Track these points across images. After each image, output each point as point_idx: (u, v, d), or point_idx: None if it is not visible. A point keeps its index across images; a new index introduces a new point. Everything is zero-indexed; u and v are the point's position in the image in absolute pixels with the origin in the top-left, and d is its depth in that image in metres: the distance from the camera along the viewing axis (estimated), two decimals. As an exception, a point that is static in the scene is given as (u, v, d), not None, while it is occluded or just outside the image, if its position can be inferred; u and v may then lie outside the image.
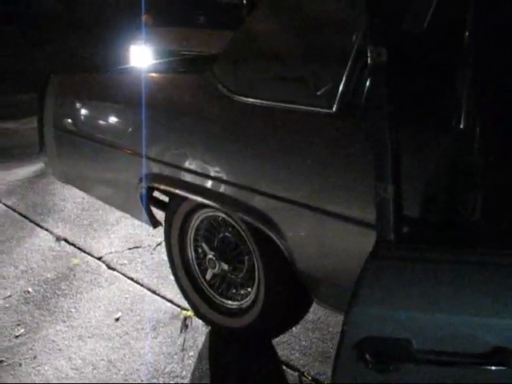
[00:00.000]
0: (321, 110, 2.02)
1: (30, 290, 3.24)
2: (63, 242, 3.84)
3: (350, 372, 1.02)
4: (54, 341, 2.78)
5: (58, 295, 3.20)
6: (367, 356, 0.99)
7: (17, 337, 2.81)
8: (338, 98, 1.98)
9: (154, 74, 3.35)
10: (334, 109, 1.99)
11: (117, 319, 2.97)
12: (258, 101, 2.27)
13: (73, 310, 3.05)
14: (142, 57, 8.08)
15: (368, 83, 1.83)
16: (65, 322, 2.94)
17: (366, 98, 1.86)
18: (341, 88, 1.97)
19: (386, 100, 1.09)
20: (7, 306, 3.07)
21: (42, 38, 11.68)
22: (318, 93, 2.03)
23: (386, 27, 1.07)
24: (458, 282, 1.03)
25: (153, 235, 3.87)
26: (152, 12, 10.21)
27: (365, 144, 1.87)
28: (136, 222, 3.68)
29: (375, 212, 1.09)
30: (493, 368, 0.96)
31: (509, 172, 1.50)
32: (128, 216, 3.55)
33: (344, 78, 1.97)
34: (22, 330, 2.86)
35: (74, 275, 3.42)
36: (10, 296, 3.16)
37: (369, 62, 1.09)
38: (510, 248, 1.05)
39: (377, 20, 1.07)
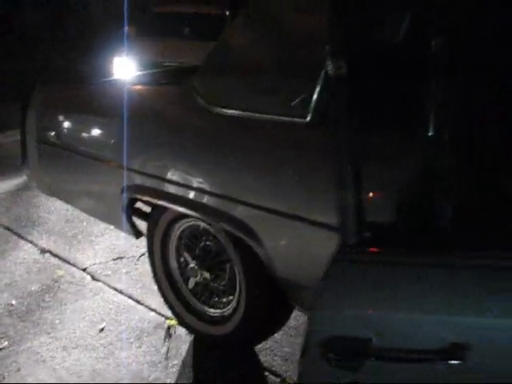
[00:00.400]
0: (296, 119, 2.07)
1: (13, 302, 3.25)
2: (48, 254, 3.85)
3: (315, 371, 1.06)
4: (38, 352, 2.80)
5: (42, 307, 3.21)
6: (331, 355, 1.03)
7: (0, 349, 2.82)
8: (311, 108, 2.03)
9: (135, 87, 3.39)
10: (308, 118, 2.04)
11: (101, 329, 2.99)
12: (235, 112, 2.32)
13: (57, 321, 3.07)
14: (125, 68, 8.11)
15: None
16: (49, 333, 2.96)
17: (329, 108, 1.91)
18: (314, 98, 2.02)
19: (345, 111, 1.14)
20: (-10, 318, 3.09)
21: (25, 49, 11.68)
22: (293, 103, 2.08)
23: (347, 41, 1.11)
24: (417, 282, 1.08)
25: (137, 246, 3.88)
26: (135, 24, 10.28)
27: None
28: (120, 233, 3.69)
29: (338, 218, 1.14)
30: (449, 363, 1.01)
31: (473, 178, 1.56)
32: (112, 227, 3.59)
33: (317, 89, 2.02)
34: (6, 343, 2.87)
35: (59, 287, 3.43)
36: (-7, 309, 3.18)
37: (329, 74, 1.14)
38: (469, 250, 1.10)
39: (337, 34, 1.12)
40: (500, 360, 1.03)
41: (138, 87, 3.36)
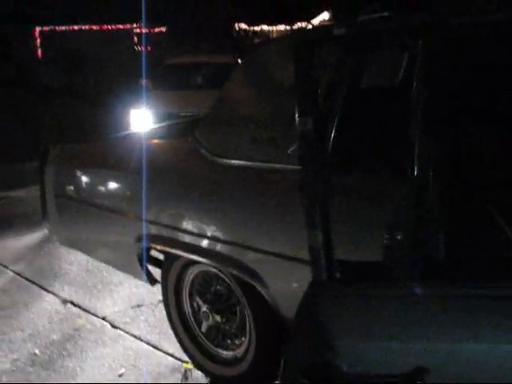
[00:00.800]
0: (292, 166, 2.21)
1: (36, 351, 3.38)
2: (69, 305, 3.99)
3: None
4: (60, 399, 2.91)
5: (63, 355, 3.33)
6: (304, 381, 1.14)
7: (24, 398, 2.94)
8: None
9: (147, 140, 3.57)
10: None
11: (120, 375, 3.09)
12: (236, 162, 2.47)
13: (78, 368, 3.19)
14: (142, 121, 8.35)
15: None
16: (70, 380, 3.07)
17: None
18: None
19: (313, 158, 1.27)
20: (14, 369, 3.21)
21: (45, 107, 12.10)
22: (289, 151, 2.22)
23: (313, 101, 1.26)
24: (384, 313, 1.19)
25: (154, 293, 3.99)
26: (151, 76, 10.63)
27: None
28: (138, 281, 3.83)
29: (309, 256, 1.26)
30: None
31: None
32: (131, 276, 3.72)
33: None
34: (30, 391, 2.99)
35: (80, 335, 3.56)
36: (17, 359, 3.30)
37: (298, 130, 1.28)
38: (433, 281, 1.21)
39: (304, 95, 1.26)
40: (456, 380, 1.14)
41: (150, 141, 3.55)
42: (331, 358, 1.15)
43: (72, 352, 3.37)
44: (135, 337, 3.49)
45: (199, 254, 2.64)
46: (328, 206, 1.29)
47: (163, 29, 23.09)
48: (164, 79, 9.94)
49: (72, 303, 4.00)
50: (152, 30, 22.65)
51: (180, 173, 2.84)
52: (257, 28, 25.81)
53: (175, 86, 9.43)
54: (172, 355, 3.25)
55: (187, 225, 2.68)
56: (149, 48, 21.75)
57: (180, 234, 2.71)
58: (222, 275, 2.70)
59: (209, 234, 2.57)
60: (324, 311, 1.23)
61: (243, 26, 25.27)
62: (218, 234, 2.54)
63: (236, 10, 23.26)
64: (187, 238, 2.68)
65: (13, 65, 16.81)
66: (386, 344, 1.15)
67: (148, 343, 3.40)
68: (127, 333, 3.55)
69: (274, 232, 2.30)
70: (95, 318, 3.78)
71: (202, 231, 2.61)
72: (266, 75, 2.49)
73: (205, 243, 2.60)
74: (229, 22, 24.27)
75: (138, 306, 3.92)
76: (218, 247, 2.54)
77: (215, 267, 2.67)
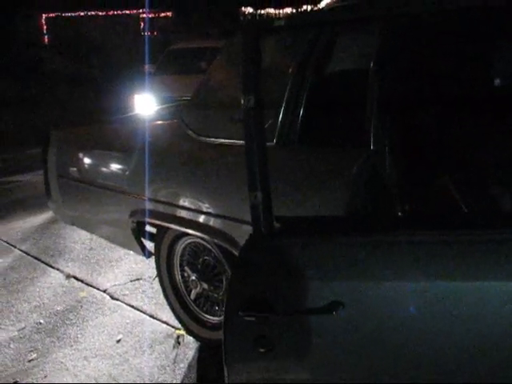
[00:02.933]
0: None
1: (41, 321, 3.63)
2: (72, 279, 4.24)
3: (235, 324, 1.41)
4: (62, 362, 3.16)
5: (66, 324, 3.58)
6: (240, 312, 1.36)
7: (30, 361, 3.19)
8: (276, 133, 2.38)
9: (142, 123, 3.79)
10: (274, 142, 2.39)
11: (118, 341, 3.34)
12: (218, 140, 2.68)
13: (79, 335, 3.43)
14: (146, 105, 8.56)
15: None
16: (72, 346, 3.32)
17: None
18: (278, 125, 2.38)
19: (255, 133, 1.48)
20: (21, 336, 3.46)
21: (50, 93, 12.32)
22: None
23: (255, 79, 1.46)
24: (308, 258, 1.41)
25: (152, 268, 4.23)
26: (156, 61, 10.82)
27: (300, 168, 2.29)
28: (138, 257, 4.07)
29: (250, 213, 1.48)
30: (328, 315, 1.34)
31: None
32: (131, 252, 3.95)
33: (280, 117, 2.37)
34: (34, 355, 3.24)
35: (81, 306, 3.80)
36: (24, 328, 3.55)
37: (242, 107, 1.48)
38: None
39: (248, 72, 1.46)
40: (367, 313, 1.37)
41: (145, 123, 3.76)
42: (266, 295, 1.38)
43: (74, 321, 3.61)
44: (133, 307, 3.73)
45: (187, 226, 2.85)
46: (267, 171, 1.50)
47: (169, 13, 23.19)
48: (168, 64, 10.14)
49: (75, 278, 4.25)
50: (158, 15, 22.76)
51: (169, 152, 3.05)
52: (263, 11, 25.86)
53: (179, 71, 9.61)
54: (166, 323, 3.49)
55: (175, 199, 2.89)
56: (155, 33, 21.89)
57: (169, 208, 2.93)
58: (208, 245, 2.92)
59: (195, 207, 2.79)
60: (260, 257, 1.45)
61: (249, 9, 25.33)
62: (203, 207, 2.75)
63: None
64: (176, 212, 2.90)
65: (18, 51, 17.03)
66: (309, 283, 1.38)
67: (144, 313, 3.65)
68: (126, 304, 3.79)
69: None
70: (96, 290, 4.03)
71: (188, 205, 2.82)
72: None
73: (191, 216, 2.81)
74: (236, 6, 24.35)
75: (137, 279, 4.16)
76: (204, 219, 2.76)
77: (202, 238, 2.88)
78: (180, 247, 3.14)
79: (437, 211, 2.09)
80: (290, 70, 2.46)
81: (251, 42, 1.45)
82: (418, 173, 2.17)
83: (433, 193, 2.21)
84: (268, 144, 2.40)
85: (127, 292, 3.97)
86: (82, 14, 21.72)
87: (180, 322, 3.32)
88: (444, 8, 1.65)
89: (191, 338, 3.28)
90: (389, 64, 2.26)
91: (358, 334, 1.40)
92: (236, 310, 1.37)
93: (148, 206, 3.06)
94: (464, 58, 2.76)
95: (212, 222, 2.70)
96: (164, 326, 3.47)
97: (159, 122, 3.69)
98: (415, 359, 1.42)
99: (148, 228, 3.39)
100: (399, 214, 1.96)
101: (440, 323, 1.39)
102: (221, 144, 2.68)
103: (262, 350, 1.41)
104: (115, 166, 3.41)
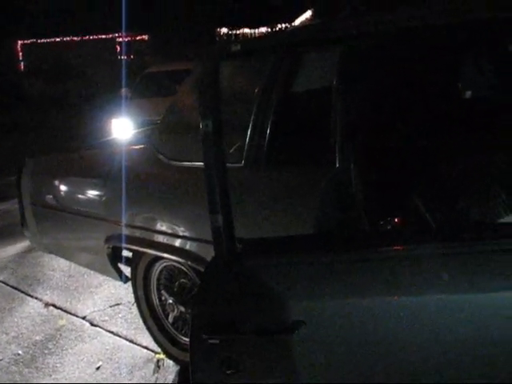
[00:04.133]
0: (233, 164, 2.45)
1: (20, 352, 3.60)
2: (51, 307, 4.21)
3: (201, 347, 1.42)
4: (40, 393, 3.13)
5: (45, 354, 3.55)
6: (204, 336, 1.38)
7: (7, 394, 3.16)
8: (244, 155, 2.41)
9: (116, 148, 3.81)
10: (242, 163, 2.42)
11: (97, 368, 3.32)
12: (188, 163, 2.71)
13: (58, 364, 3.41)
14: (122, 129, 8.55)
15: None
16: (51, 375, 3.29)
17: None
18: (246, 146, 2.41)
19: (214, 156, 1.50)
20: (-1, 368, 3.43)
21: (28, 118, 12.29)
22: (230, 151, 2.46)
23: (213, 103, 1.49)
24: (269, 280, 1.44)
25: (131, 292, 4.22)
26: (132, 85, 10.84)
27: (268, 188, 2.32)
28: (117, 282, 4.05)
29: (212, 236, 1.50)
30: (290, 334, 1.36)
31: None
32: (109, 278, 3.94)
33: (247, 139, 2.41)
34: (12, 388, 3.21)
35: (61, 335, 3.78)
36: (1, 360, 3.52)
37: (200, 131, 1.51)
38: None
39: (206, 97, 1.49)
40: (327, 331, 1.39)
41: (121, 148, 3.78)
42: (230, 317, 1.40)
43: (53, 350, 3.59)
44: (112, 333, 3.71)
45: (162, 250, 2.87)
46: (228, 194, 1.53)
47: (145, 37, 23.27)
48: (144, 87, 10.18)
49: (54, 306, 4.22)
50: (134, 38, 22.83)
51: (141, 177, 3.06)
52: (239, 32, 26.03)
53: (155, 94, 9.64)
54: (146, 347, 3.47)
55: (150, 224, 2.91)
56: (131, 56, 21.94)
57: (144, 232, 2.94)
58: (183, 268, 2.93)
59: (169, 231, 2.80)
60: (223, 279, 1.47)
61: (224, 30, 25.49)
62: (177, 230, 2.77)
63: (218, 15, 23.49)
64: (150, 236, 2.91)
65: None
66: (270, 304, 1.40)
67: (124, 338, 3.63)
68: (105, 330, 3.77)
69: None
70: (75, 318, 4.00)
71: (162, 229, 2.84)
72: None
73: (166, 240, 2.82)
74: (210, 27, 24.48)
75: (117, 304, 4.14)
76: (178, 242, 2.77)
77: (177, 261, 2.89)
78: (156, 271, 3.14)
79: (404, 227, 2.12)
80: (256, 92, 2.50)
81: (208, 68, 1.48)
82: (385, 189, 2.21)
83: (400, 209, 2.25)
84: (236, 165, 2.46)
85: (106, 318, 3.96)
86: (57, 39, 21.73)
87: (159, 345, 3.31)
88: (406, 25, 1.69)
89: (171, 361, 3.27)
90: (352, 83, 2.30)
91: (323, 353, 1.42)
92: (200, 332, 1.39)
93: (123, 231, 3.07)
94: (432, 72, 2.82)
95: (187, 245, 2.72)
96: (144, 350, 3.46)
97: (133, 147, 3.70)
98: (382, 374, 1.44)
99: (124, 253, 3.39)
100: (366, 231, 1.99)
101: (405, 338, 1.42)
102: (191, 167, 2.69)
103: (228, 372, 1.42)
104: (89, 193, 3.42)
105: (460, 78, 3.09)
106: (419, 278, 1.49)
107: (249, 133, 2.42)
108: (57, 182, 3.70)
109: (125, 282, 3.48)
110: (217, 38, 25.05)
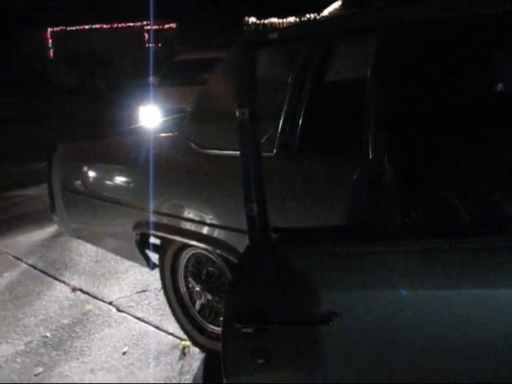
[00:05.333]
0: (265, 154, 2.43)
1: (48, 334, 3.65)
2: (78, 292, 4.26)
3: (233, 336, 1.42)
4: (68, 376, 3.17)
5: (72, 337, 3.60)
6: (237, 325, 1.38)
7: (36, 375, 3.21)
8: (276, 144, 2.40)
9: (145, 136, 3.82)
10: (274, 152, 2.41)
11: (124, 353, 3.35)
12: (219, 151, 2.70)
13: (85, 348, 3.45)
14: (150, 117, 8.58)
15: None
16: (78, 359, 3.33)
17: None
18: (278, 136, 2.40)
19: (250, 144, 1.49)
20: (28, 350, 3.48)
21: (57, 106, 12.41)
22: (262, 140, 2.44)
23: (249, 92, 1.48)
24: (304, 270, 1.42)
25: (159, 279, 4.24)
26: (160, 73, 10.87)
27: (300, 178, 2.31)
28: (144, 268, 4.08)
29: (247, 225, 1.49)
30: (325, 325, 1.35)
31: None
32: (137, 264, 3.97)
33: (280, 129, 2.40)
34: (41, 369, 3.25)
35: (87, 319, 3.82)
36: (30, 341, 3.57)
37: (237, 119, 1.50)
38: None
39: (242, 85, 1.48)
40: (363, 323, 1.37)
41: (148, 136, 3.79)
42: (263, 306, 1.39)
43: (80, 334, 3.63)
44: (139, 319, 3.74)
45: (190, 238, 2.87)
46: (262, 182, 1.52)
47: (173, 25, 23.29)
48: (172, 76, 10.20)
49: (81, 290, 4.27)
50: (162, 27, 22.86)
51: (171, 165, 3.07)
52: (267, 21, 25.92)
53: (182, 82, 9.65)
54: (172, 334, 3.49)
55: (178, 211, 2.91)
56: (159, 45, 21.99)
57: (172, 219, 2.95)
58: (211, 256, 2.93)
59: (198, 219, 2.80)
60: (257, 268, 1.47)
61: (253, 19, 25.41)
62: (206, 218, 2.77)
63: (246, 4, 23.43)
64: (179, 224, 2.91)
65: (25, 65, 17.20)
66: (304, 295, 1.39)
67: (150, 324, 3.65)
68: (131, 315, 3.80)
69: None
70: (102, 303, 4.04)
71: (191, 216, 2.84)
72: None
73: (195, 227, 2.83)
74: (239, 17, 24.44)
75: (143, 291, 4.17)
76: (207, 230, 2.77)
77: (205, 249, 2.90)
78: (184, 258, 3.15)
79: (437, 221, 2.09)
80: (289, 81, 2.48)
81: (245, 56, 1.47)
82: (417, 182, 2.18)
83: (433, 202, 2.22)
84: (268, 154, 2.44)
85: (133, 304, 3.99)
86: (86, 27, 21.88)
87: (185, 332, 3.33)
88: (442, 17, 1.66)
89: (197, 349, 3.29)
90: (386, 74, 2.28)
91: (355, 344, 1.41)
92: (233, 321, 1.38)
93: (151, 218, 3.08)
94: (464, 65, 2.77)
95: (215, 233, 2.72)
96: (170, 337, 3.48)
97: (162, 135, 3.71)
98: (413, 367, 1.42)
99: (152, 240, 3.40)
100: (398, 223, 1.97)
101: (436, 331, 1.40)
102: (222, 155, 2.69)
103: (260, 362, 1.42)
104: (119, 179, 3.44)
105: (493, 70, 3.03)
106: (450, 271, 1.47)
107: (281, 121, 2.40)
108: (86, 168, 3.73)
109: (152, 269, 3.50)
110: (245, 28, 25.00)
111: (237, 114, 1.47)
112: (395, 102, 2.21)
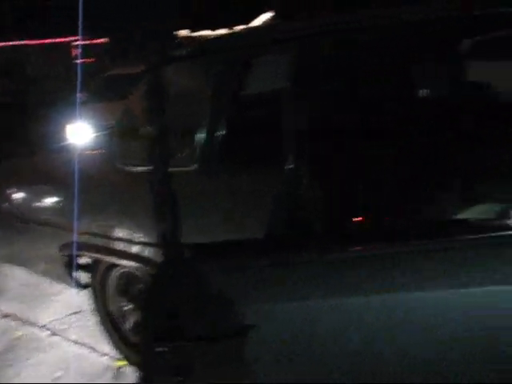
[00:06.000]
0: (186, 168, 2.45)
1: (-23, 365, 3.53)
2: (9, 318, 4.14)
3: (151, 355, 1.42)
4: (-1, 405, 3.08)
5: (4, 366, 3.49)
6: (153, 343, 1.39)
7: (-35, 407, 3.10)
8: (196, 159, 2.42)
9: (73, 154, 3.77)
10: (194, 167, 2.43)
11: (57, 378, 3.28)
12: (141, 168, 2.69)
13: (16, 377, 3.35)
14: (78, 134, 8.40)
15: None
16: (8, 387, 3.24)
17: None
18: (198, 151, 2.42)
19: (160, 160, 1.51)
20: (-43, 382, 3.36)
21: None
22: (182, 155, 2.46)
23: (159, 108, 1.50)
24: (220, 285, 1.44)
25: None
26: (89, 89, 10.69)
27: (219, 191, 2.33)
28: (76, 290, 4.00)
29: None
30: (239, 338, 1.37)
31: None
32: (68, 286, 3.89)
33: (200, 142, 2.42)
34: (-30, 401, 3.15)
35: (20, 345, 3.72)
36: (-42, 373, 3.45)
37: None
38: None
39: (151, 103, 1.50)
40: (277, 333, 1.41)
41: (78, 154, 3.73)
42: (179, 323, 1.40)
43: (12, 362, 3.52)
44: (72, 341, 3.67)
45: (117, 257, 2.85)
46: (175, 197, 1.53)
47: (104, 40, 23.00)
48: (101, 91, 10.06)
49: (12, 316, 4.15)
50: (92, 41, 22.53)
51: (97, 184, 3.04)
52: (198, 34, 25.91)
53: (112, 98, 9.51)
54: (106, 355, 3.44)
55: (104, 230, 2.89)
56: (89, 60, 21.65)
57: (99, 239, 2.92)
58: (139, 274, 2.91)
59: (124, 237, 2.78)
60: (172, 285, 1.48)
61: (184, 32, 25.35)
62: (132, 236, 2.75)
63: (180, 17, 23.35)
64: (106, 243, 2.89)
65: None
66: (223, 307, 1.41)
67: (84, 346, 3.59)
68: (65, 338, 3.73)
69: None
70: (35, 327, 3.94)
71: (118, 235, 2.82)
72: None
73: (121, 246, 2.81)
74: (171, 30, 24.32)
75: (76, 312, 4.09)
76: (133, 249, 2.76)
77: (132, 267, 2.88)
78: (113, 277, 3.12)
79: (355, 228, 2.14)
80: (209, 94, 2.50)
81: (154, 73, 1.49)
82: (338, 190, 2.22)
83: (355, 209, 2.27)
84: (189, 169, 2.46)
85: (66, 326, 3.91)
86: (12, 43, 21.33)
87: (120, 352, 3.28)
88: (364, 25, 1.71)
89: (131, 368, 3.25)
90: (305, 85, 2.32)
91: (274, 355, 1.44)
92: (150, 340, 1.39)
93: (79, 238, 3.04)
94: (385, 73, 2.85)
95: (142, 251, 2.71)
96: (104, 358, 3.43)
97: (88, 152, 3.66)
98: (331, 373, 1.46)
99: (81, 260, 3.35)
100: (316, 232, 2.00)
101: (352, 337, 1.44)
102: (144, 172, 2.68)
103: (179, 379, 1.42)
104: (45, 200, 3.38)
105: (415, 78, 3.10)
106: (361, 278, 1.52)
107: (202, 136, 2.42)
108: (11, 190, 3.64)
109: (82, 290, 3.44)
110: (177, 41, 24.89)
111: (145, 130, 1.48)
112: (315, 113, 2.25)
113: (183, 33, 25.62)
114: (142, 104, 2.85)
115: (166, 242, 1.46)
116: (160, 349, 1.38)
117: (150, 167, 2.61)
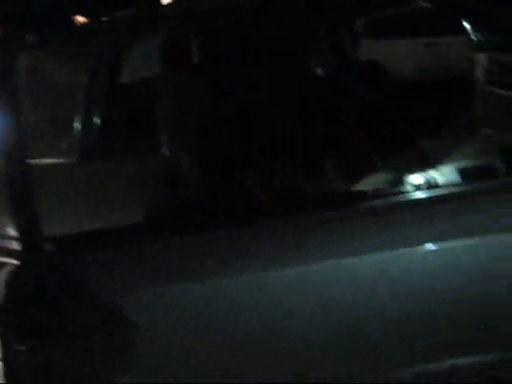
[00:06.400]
0: (65, 160, 2.39)
1: None
2: None
3: (12, 354, 1.37)
4: None
5: None
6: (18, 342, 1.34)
7: None
8: (75, 149, 2.37)
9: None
10: (74, 158, 2.38)
11: None
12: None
13: None
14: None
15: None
16: None
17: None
18: (76, 141, 2.38)
19: (15, 152, 1.47)
20: None
21: None
22: (62, 147, 2.40)
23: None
24: (82, 275, 1.41)
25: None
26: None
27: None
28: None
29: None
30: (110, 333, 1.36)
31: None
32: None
33: (77, 132, 2.37)
34: None
35: None
36: None
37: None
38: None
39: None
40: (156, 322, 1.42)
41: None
42: (40, 320, 1.35)
43: None
44: None
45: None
46: (32, 190, 1.49)
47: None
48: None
49: None
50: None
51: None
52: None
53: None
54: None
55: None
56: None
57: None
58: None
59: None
60: (31, 281, 1.42)
61: (82, 18, 24.54)
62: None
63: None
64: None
65: None
66: (91, 301, 1.37)
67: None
68: None
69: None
70: None
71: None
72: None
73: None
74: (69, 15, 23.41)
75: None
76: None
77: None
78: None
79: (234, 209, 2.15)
80: (85, 84, 2.45)
81: (3, 62, 1.44)
82: (217, 174, 2.22)
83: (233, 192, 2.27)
84: (68, 160, 2.40)
85: None
86: None
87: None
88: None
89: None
90: (179, 73, 2.30)
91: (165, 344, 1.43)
92: (10, 339, 1.34)
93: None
94: (277, 53, 2.83)
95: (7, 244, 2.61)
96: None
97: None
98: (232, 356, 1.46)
99: None
100: (195, 215, 2.00)
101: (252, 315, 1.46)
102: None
103: (42, 379, 1.37)
104: None
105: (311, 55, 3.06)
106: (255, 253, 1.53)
107: (78, 125, 2.37)
108: None
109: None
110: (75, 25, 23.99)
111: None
112: (188, 100, 2.25)
113: (79, 18, 24.85)
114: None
115: (24, 234, 1.41)
116: (19, 347, 1.33)
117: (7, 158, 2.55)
